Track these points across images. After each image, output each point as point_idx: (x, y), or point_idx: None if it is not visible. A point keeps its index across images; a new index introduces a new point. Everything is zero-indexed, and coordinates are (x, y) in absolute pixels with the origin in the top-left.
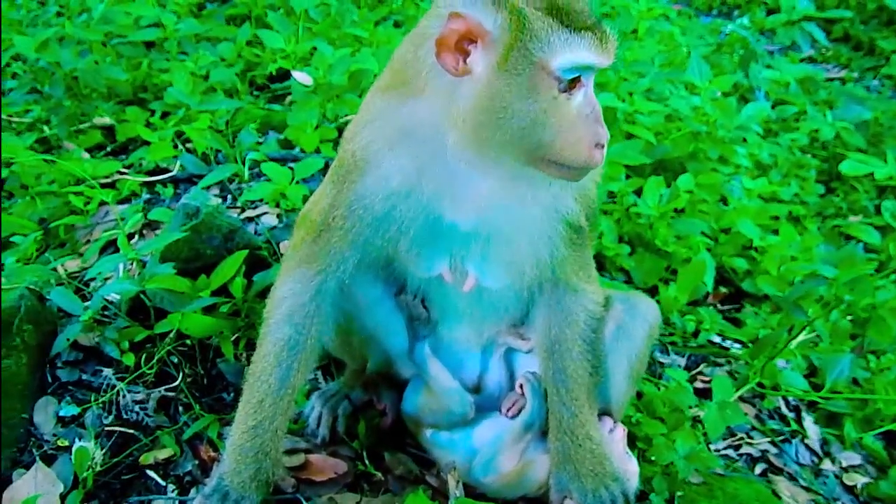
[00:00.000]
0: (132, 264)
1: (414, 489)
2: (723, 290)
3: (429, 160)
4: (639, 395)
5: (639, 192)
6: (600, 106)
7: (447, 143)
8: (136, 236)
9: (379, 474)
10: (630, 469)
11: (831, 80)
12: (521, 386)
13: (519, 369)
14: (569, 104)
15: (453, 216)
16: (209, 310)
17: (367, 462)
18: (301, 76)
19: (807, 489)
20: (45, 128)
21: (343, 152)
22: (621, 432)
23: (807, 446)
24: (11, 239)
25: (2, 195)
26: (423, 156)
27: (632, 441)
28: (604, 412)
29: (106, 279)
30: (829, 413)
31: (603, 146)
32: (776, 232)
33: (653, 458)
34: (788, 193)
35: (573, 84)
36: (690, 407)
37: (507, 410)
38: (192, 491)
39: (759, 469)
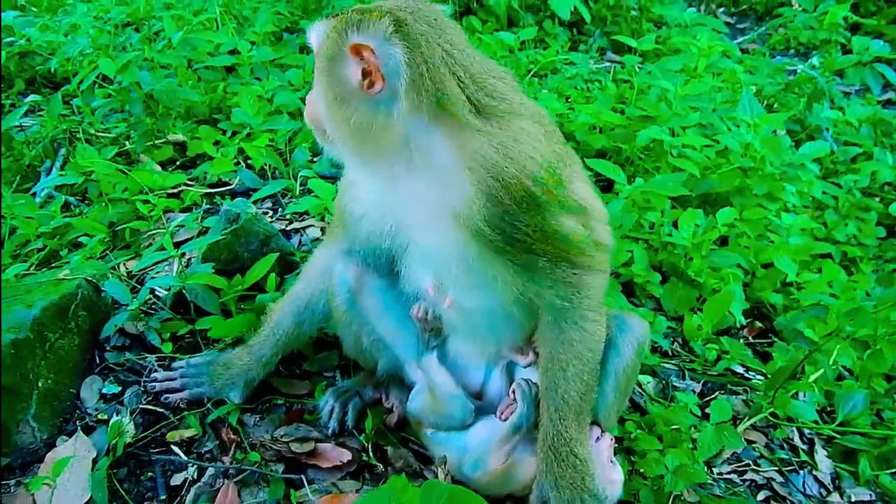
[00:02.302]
0: (180, 264)
1: (411, 482)
2: (758, 324)
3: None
4: (642, 412)
5: (677, 224)
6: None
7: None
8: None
9: (381, 466)
10: (614, 478)
11: None
12: (513, 391)
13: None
14: None
15: (420, 242)
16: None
17: (370, 454)
18: None
19: None
20: (127, 143)
21: None
22: (607, 441)
23: (815, 478)
24: (80, 239)
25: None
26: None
27: (627, 455)
28: (592, 421)
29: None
30: (846, 449)
31: None
32: (820, 271)
33: (642, 470)
34: (844, 234)
35: None
36: (692, 427)
37: (501, 414)
38: (211, 467)
39: (761, 496)
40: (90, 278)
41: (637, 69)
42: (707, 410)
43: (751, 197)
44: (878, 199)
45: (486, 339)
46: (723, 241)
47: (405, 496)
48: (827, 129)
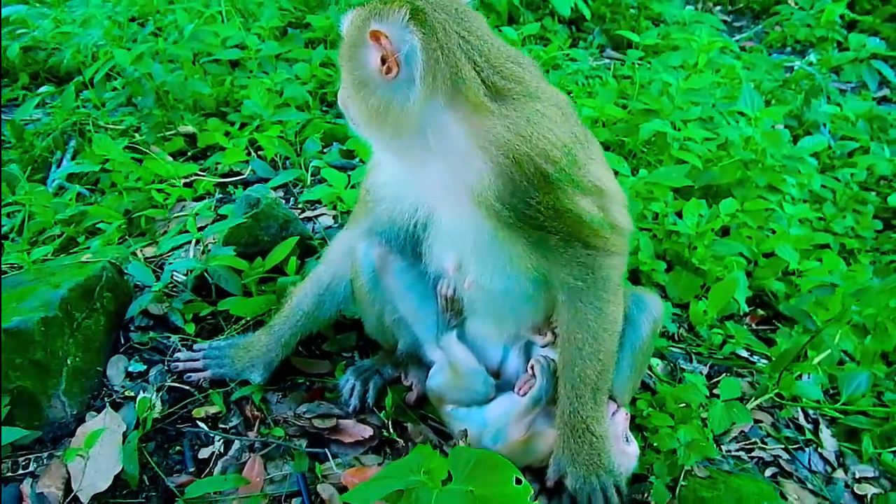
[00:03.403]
0: (200, 249)
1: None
2: (760, 312)
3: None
4: (653, 392)
5: (681, 214)
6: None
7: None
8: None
9: (401, 441)
10: (630, 451)
11: None
12: (531, 367)
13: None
14: None
15: (441, 219)
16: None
17: (391, 430)
18: None
19: (815, 493)
20: (136, 135)
21: None
22: (623, 416)
23: (821, 456)
24: (98, 226)
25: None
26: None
27: (640, 432)
28: (609, 396)
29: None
30: (850, 428)
31: None
32: (821, 261)
33: (656, 444)
34: (842, 227)
35: None
36: (701, 405)
37: (520, 390)
38: (237, 441)
39: (769, 472)
40: (113, 261)
41: (637, 64)
42: (715, 391)
43: (752, 189)
44: (874, 192)
45: (505, 321)
46: (725, 232)
47: (432, 463)
48: (824, 125)
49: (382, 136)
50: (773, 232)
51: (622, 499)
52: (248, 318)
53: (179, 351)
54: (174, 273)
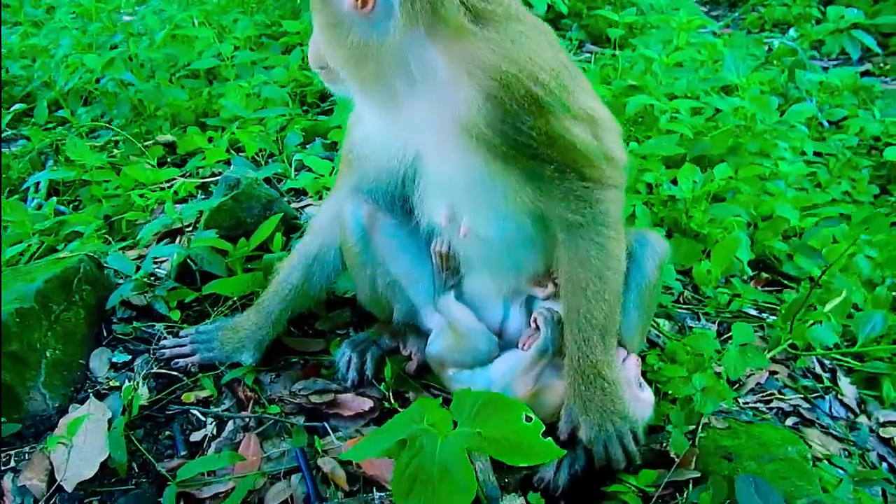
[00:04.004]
0: (183, 240)
1: None
2: (765, 275)
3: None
4: (661, 349)
5: (675, 183)
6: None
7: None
8: (192, 227)
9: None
10: (644, 397)
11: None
12: (534, 319)
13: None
14: None
15: (430, 164)
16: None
17: (392, 401)
18: None
19: (839, 439)
20: (115, 150)
21: None
22: (634, 361)
23: (841, 403)
24: (76, 229)
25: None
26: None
27: (651, 384)
28: (618, 343)
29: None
30: (868, 375)
31: None
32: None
33: (670, 394)
34: (838, 192)
35: None
36: (713, 358)
37: (524, 345)
38: (230, 422)
39: (789, 422)
40: (91, 254)
41: (616, 54)
42: (727, 346)
43: (745, 156)
44: (868, 159)
45: (504, 273)
46: (721, 201)
47: (436, 413)
48: (811, 98)
49: (363, 79)
50: (772, 196)
51: (640, 447)
52: (236, 299)
53: (165, 338)
54: (156, 266)
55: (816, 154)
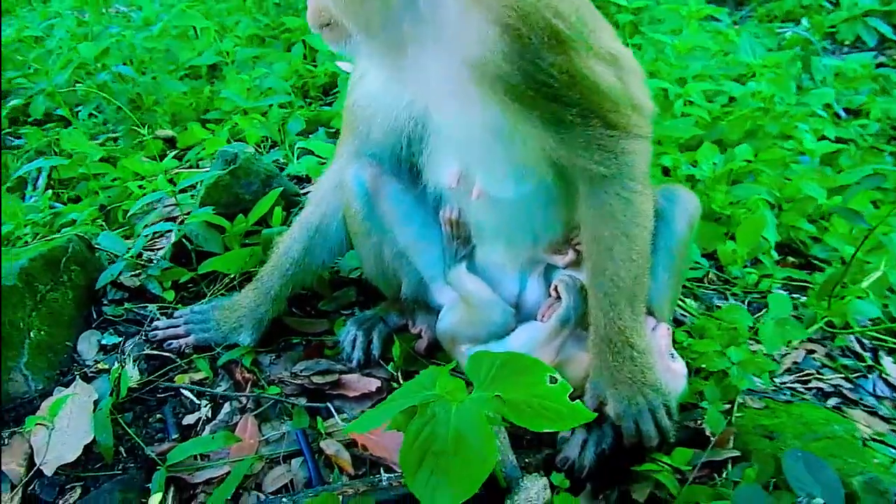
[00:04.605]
0: (178, 220)
1: None
2: (791, 259)
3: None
4: (690, 326)
5: (695, 165)
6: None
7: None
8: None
9: None
10: (677, 368)
11: None
12: (555, 288)
13: None
14: None
15: (439, 116)
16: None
17: (401, 382)
18: (345, 65)
19: (885, 419)
20: (114, 145)
21: None
22: (665, 330)
23: (886, 382)
24: (73, 217)
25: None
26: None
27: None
28: (646, 310)
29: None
30: None
31: None
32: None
33: (704, 368)
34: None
35: None
36: (747, 332)
37: (543, 316)
38: (226, 405)
39: (831, 402)
40: (81, 235)
41: (627, 41)
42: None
43: (765, 139)
44: (892, 143)
45: (520, 241)
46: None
47: (448, 382)
48: (825, 85)
49: (367, 21)
50: (794, 177)
51: (673, 422)
52: (234, 276)
53: (158, 319)
54: (150, 251)
55: (838, 140)
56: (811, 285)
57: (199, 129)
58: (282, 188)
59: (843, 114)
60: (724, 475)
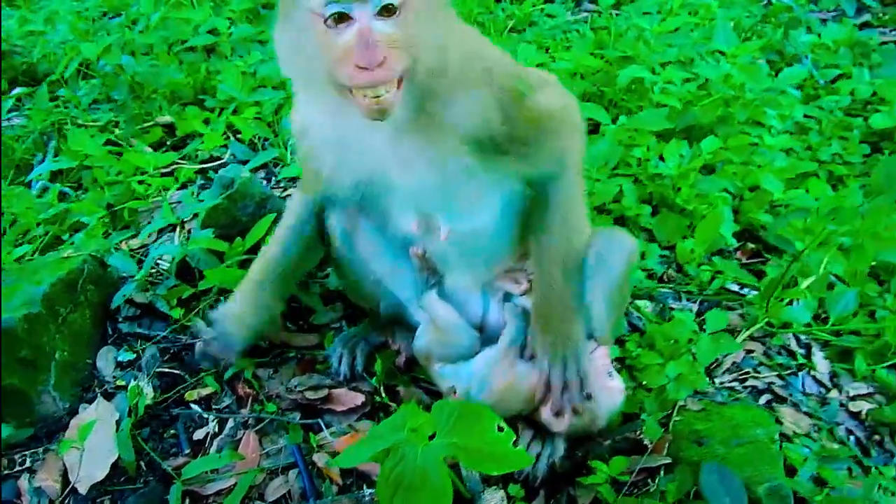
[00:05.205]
0: (181, 233)
1: None
2: (750, 246)
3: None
4: (641, 333)
5: (663, 158)
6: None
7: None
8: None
9: (394, 406)
10: (613, 386)
11: (886, 43)
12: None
13: None
14: (338, 37)
15: (392, 172)
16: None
17: (383, 395)
18: None
19: (809, 415)
20: (116, 129)
21: None
22: (603, 352)
23: (814, 379)
24: (82, 220)
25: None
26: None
27: (630, 372)
28: (587, 335)
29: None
30: (842, 349)
31: (365, 68)
32: (807, 190)
33: (645, 383)
34: (828, 153)
35: (341, 20)
36: (689, 341)
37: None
38: (231, 420)
39: (763, 399)
40: (94, 254)
41: (614, 14)
42: (705, 327)
43: (734, 125)
44: (861, 118)
45: (479, 265)
46: (711, 172)
47: (418, 420)
48: (806, 56)
49: (307, 80)
50: (759, 167)
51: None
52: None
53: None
54: (158, 261)
55: (807, 116)
56: (758, 286)
57: (198, 120)
58: (275, 213)
59: (822, 82)
60: (656, 482)
